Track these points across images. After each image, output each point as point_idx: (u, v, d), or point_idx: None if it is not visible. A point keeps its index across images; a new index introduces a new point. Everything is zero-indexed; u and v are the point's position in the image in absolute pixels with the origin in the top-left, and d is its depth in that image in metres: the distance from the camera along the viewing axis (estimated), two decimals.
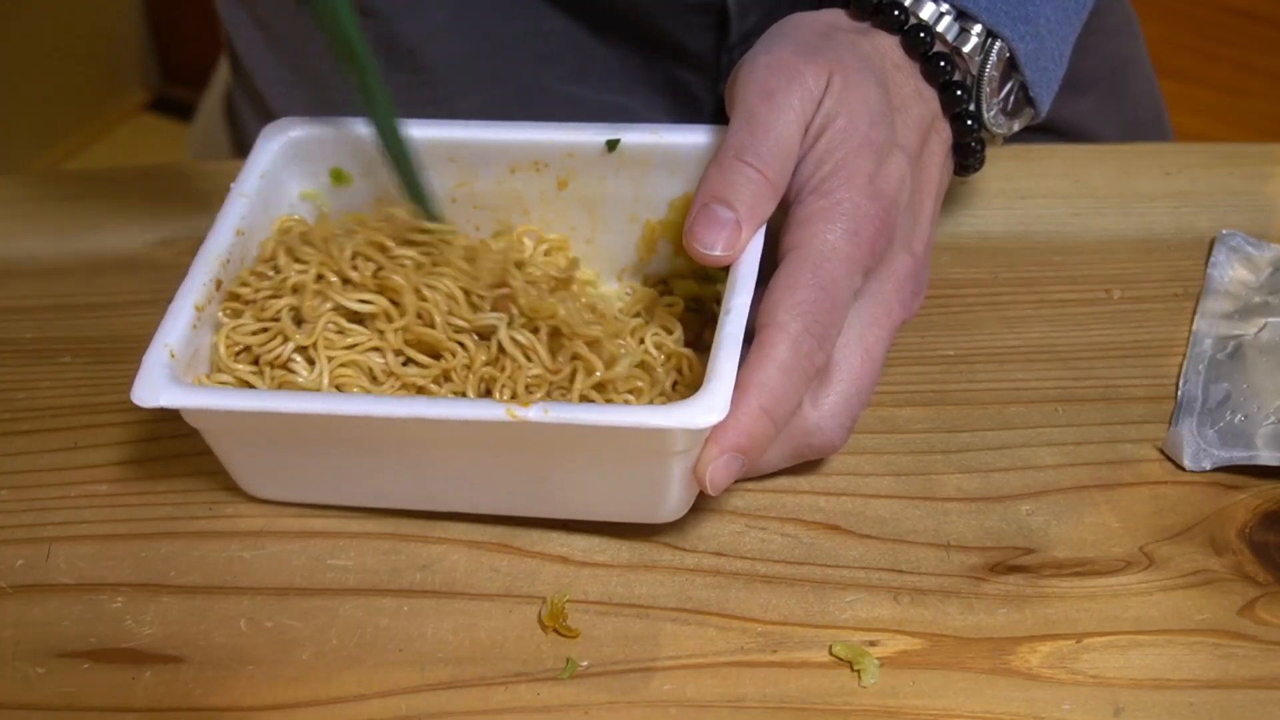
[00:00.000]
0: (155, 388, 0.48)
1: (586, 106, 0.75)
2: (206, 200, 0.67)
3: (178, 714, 0.48)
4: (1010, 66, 0.57)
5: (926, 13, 0.56)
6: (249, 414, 0.49)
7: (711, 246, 0.51)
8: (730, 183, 0.51)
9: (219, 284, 0.53)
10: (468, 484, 0.52)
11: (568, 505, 0.52)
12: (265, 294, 0.53)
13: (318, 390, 0.52)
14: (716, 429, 0.47)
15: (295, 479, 0.53)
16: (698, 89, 0.77)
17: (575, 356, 0.52)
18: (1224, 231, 0.65)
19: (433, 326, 0.52)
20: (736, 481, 0.49)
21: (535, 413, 0.46)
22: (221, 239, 0.54)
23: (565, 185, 0.58)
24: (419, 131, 0.57)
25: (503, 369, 0.52)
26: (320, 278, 0.53)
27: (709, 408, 0.46)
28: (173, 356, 0.50)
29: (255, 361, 0.53)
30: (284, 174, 0.58)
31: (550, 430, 0.47)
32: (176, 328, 0.51)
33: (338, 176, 0.59)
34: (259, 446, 0.52)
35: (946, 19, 0.56)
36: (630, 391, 0.52)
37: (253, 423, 0.50)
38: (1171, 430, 0.56)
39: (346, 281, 0.53)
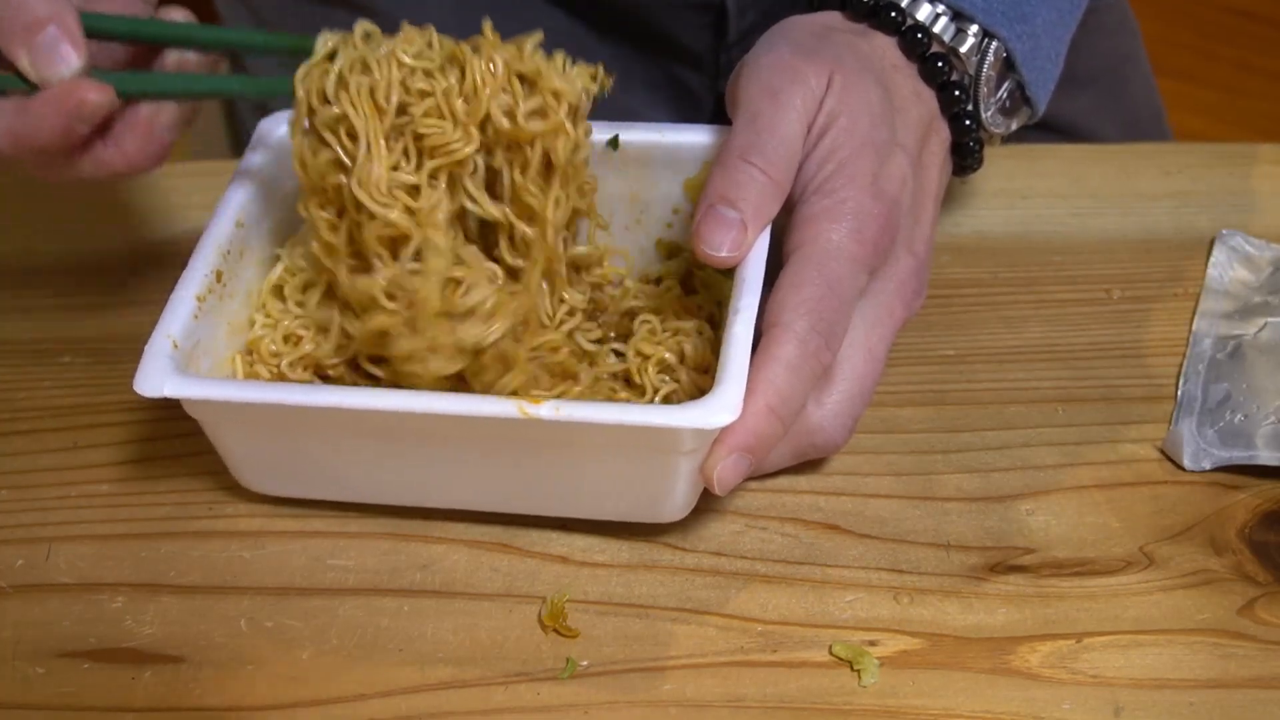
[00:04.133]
0: (159, 378, 0.48)
1: None
2: (206, 200, 0.67)
3: (178, 714, 0.48)
4: (1007, 66, 0.57)
5: (923, 14, 0.56)
6: (255, 405, 0.48)
7: (718, 248, 0.50)
8: (735, 183, 0.51)
9: (219, 275, 0.53)
10: (472, 480, 0.51)
11: (572, 503, 0.52)
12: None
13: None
14: (725, 429, 0.47)
15: (298, 473, 0.53)
16: (697, 87, 0.77)
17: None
18: (1224, 231, 0.65)
19: None
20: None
21: (547, 410, 0.46)
22: (222, 230, 0.54)
23: None
24: None
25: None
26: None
27: (722, 408, 0.46)
28: (175, 347, 0.49)
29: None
30: (282, 165, 0.58)
31: (560, 428, 0.47)
32: (178, 318, 0.50)
33: None
34: (262, 440, 0.51)
35: (943, 20, 0.56)
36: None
37: (258, 415, 0.49)
38: (1171, 430, 0.56)
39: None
